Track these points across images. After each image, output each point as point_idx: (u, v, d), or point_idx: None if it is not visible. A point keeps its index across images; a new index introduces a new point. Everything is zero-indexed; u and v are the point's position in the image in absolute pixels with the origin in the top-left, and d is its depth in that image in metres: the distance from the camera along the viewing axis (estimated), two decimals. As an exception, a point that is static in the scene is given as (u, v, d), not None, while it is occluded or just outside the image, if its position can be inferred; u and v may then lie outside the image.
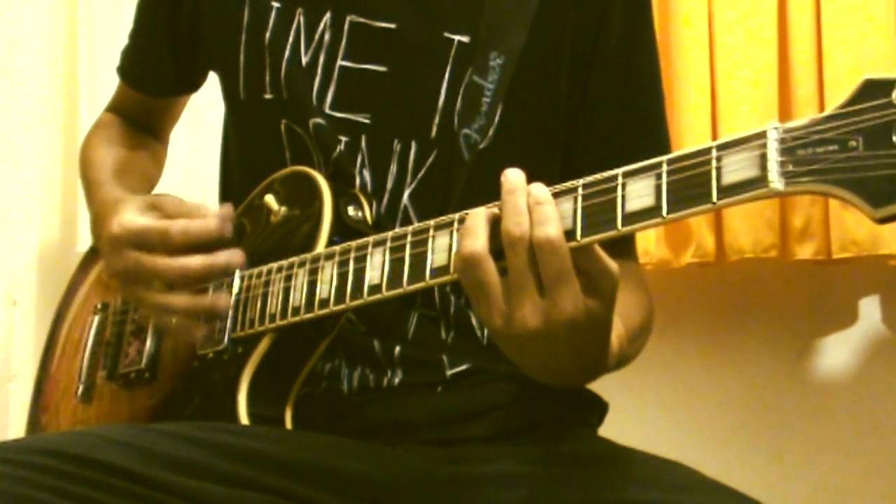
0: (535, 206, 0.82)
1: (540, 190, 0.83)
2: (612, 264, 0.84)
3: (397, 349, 1.06)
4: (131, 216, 1.05)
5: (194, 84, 1.29)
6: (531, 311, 0.82)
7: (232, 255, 1.04)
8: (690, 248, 1.91)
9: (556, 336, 0.83)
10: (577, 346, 0.85)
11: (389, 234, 0.94)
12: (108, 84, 1.38)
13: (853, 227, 1.82)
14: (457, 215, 0.89)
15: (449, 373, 1.06)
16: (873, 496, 2.00)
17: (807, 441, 2.03)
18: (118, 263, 1.05)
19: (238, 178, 1.18)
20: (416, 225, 0.92)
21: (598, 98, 1.12)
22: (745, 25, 1.89)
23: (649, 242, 1.91)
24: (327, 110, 1.08)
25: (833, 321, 2.03)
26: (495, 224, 0.84)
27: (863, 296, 2.02)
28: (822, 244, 1.87)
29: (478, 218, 0.85)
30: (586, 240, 0.82)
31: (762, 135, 0.75)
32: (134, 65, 1.29)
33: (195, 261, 1.02)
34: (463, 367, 1.06)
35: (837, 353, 2.03)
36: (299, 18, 1.09)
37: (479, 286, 0.84)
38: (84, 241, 1.64)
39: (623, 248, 1.14)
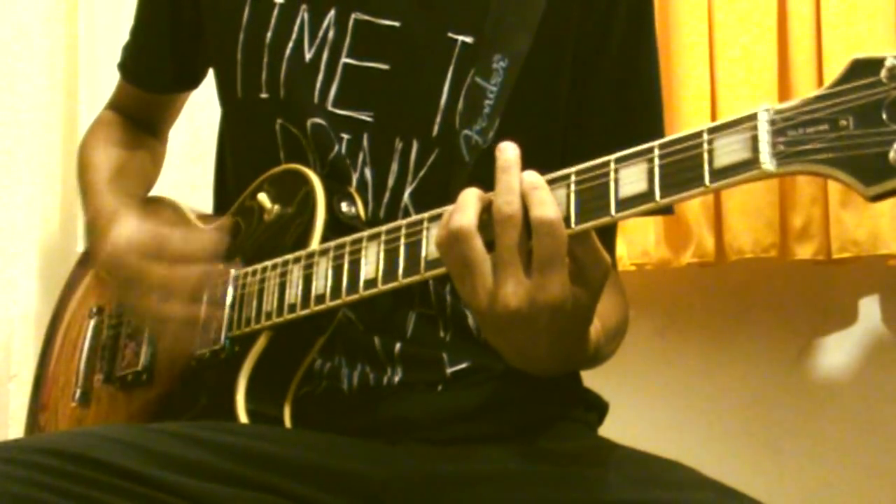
0: (532, 191, 0.83)
1: (533, 175, 0.84)
2: (605, 256, 0.84)
3: (397, 346, 1.06)
4: (130, 227, 1.05)
5: (195, 80, 1.29)
6: (514, 291, 0.82)
7: (228, 266, 1.03)
8: (690, 248, 1.91)
9: (538, 319, 0.83)
10: (558, 332, 0.85)
11: (384, 227, 0.94)
12: (108, 84, 1.38)
13: (853, 226, 1.82)
14: (450, 207, 0.89)
15: (449, 371, 1.06)
16: (873, 496, 1.99)
17: (807, 441, 2.03)
18: (118, 272, 1.05)
19: (232, 178, 1.18)
20: (411, 218, 0.92)
21: (597, 103, 1.12)
22: (745, 26, 1.89)
23: (649, 242, 1.91)
24: (330, 108, 1.08)
25: (833, 321, 2.03)
26: (487, 206, 0.84)
27: (863, 296, 2.02)
28: (822, 244, 1.86)
29: (470, 195, 0.85)
30: (581, 227, 0.82)
31: (753, 117, 0.76)
32: (135, 61, 1.29)
33: (193, 271, 1.02)
34: (463, 366, 1.06)
35: (837, 353, 2.03)
36: (303, 16, 1.09)
37: (464, 262, 0.84)
38: (84, 241, 1.63)
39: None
